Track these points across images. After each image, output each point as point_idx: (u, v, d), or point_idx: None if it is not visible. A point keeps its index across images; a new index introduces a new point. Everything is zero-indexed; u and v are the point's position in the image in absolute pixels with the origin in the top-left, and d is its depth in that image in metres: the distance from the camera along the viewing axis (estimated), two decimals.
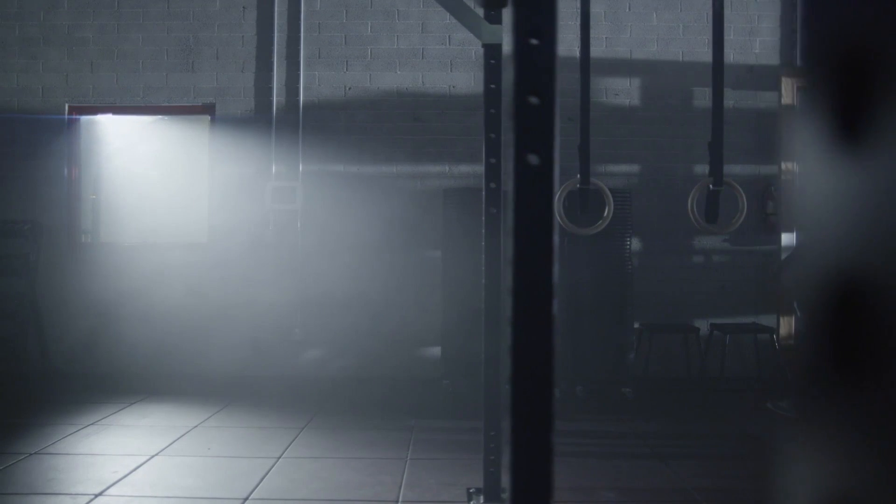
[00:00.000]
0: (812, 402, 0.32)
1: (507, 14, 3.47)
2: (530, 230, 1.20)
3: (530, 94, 1.21)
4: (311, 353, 5.94)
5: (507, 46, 3.33)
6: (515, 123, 1.21)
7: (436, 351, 5.64)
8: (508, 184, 1.20)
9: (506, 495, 3.06)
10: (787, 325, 5.76)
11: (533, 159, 1.20)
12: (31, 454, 3.67)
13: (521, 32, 1.18)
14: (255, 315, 5.88)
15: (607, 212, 3.94)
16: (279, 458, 3.65)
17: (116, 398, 4.96)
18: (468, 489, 3.13)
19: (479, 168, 5.77)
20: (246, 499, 3.06)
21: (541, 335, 1.24)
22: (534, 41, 1.20)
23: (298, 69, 5.99)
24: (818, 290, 0.31)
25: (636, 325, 5.53)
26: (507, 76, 3.26)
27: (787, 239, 5.60)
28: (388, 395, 5.25)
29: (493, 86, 3.05)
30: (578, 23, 5.08)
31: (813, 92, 0.35)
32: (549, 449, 1.23)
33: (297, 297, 5.91)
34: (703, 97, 5.95)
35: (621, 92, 6.01)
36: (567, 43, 5.53)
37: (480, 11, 3.13)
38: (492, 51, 3.06)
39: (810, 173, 0.33)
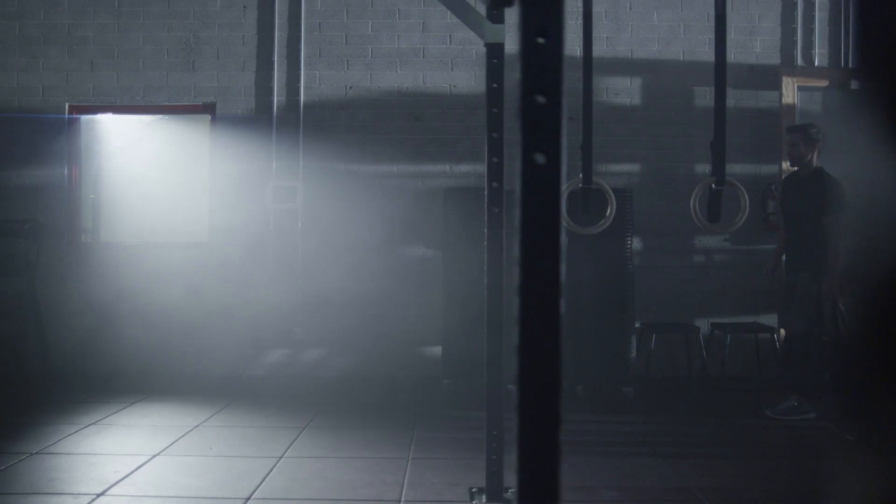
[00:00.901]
0: (872, 402, 0.32)
1: (510, 13, 3.47)
2: (537, 229, 1.19)
3: (537, 94, 1.21)
4: (312, 353, 5.93)
5: (509, 46, 3.34)
6: (522, 123, 1.20)
7: (437, 350, 5.64)
8: (514, 183, 1.19)
9: (508, 495, 3.06)
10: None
11: (540, 158, 1.20)
12: (32, 454, 3.66)
13: (528, 31, 1.18)
14: (256, 314, 5.88)
15: (610, 211, 3.93)
16: (281, 457, 3.65)
17: (117, 398, 4.95)
18: (471, 489, 3.13)
19: (480, 167, 5.78)
20: (248, 498, 3.06)
21: (548, 334, 1.24)
22: (541, 40, 1.19)
23: (299, 68, 5.98)
24: (880, 290, 0.31)
25: (637, 325, 5.53)
26: (510, 75, 3.25)
27: None
28: (389, 395, 5.25)
29: (495, 85, 3.05)
30: (579, 22, 5.07)
31: (871, 91, 0.34)
32: (557, 449, 1.23)
33: (297, 296, 5.90)
34: (703, 96, 5.95)
35: (622, 91, 6.02)
36: (568, 42, 5.52)
37: (483, 10, 3.13)
38: (494, 50, 3.05)
39: (869, 172, 0.33)
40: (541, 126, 1.21)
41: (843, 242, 4.41)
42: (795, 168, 4.74)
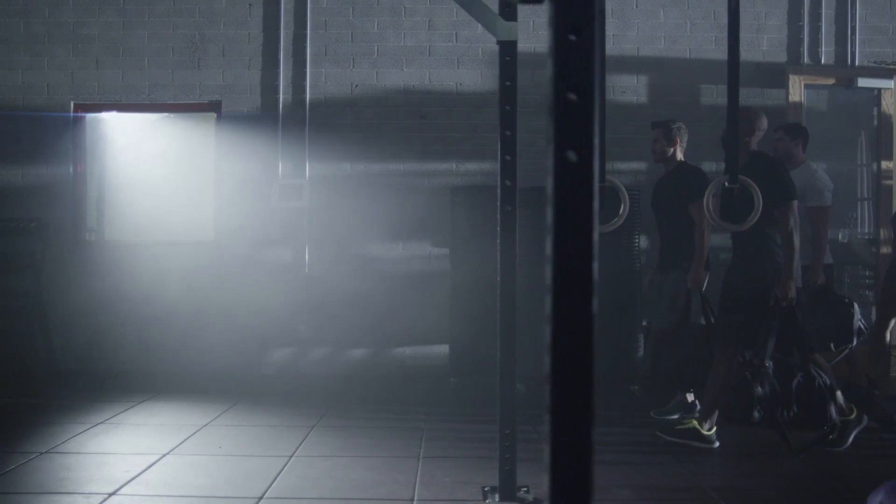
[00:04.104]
0: None
1: (522, 11, 3.44)
2: (570, 227, 1.18)
3: (569, 91, 1.20)
4: (318, 351, 5.93)
5: (522, 43, 3.31)
6: (554, 120, 1.19)
7: (443, 349, 5.64)
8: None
9: (521, 494, 3.04)
10: None
11: (572, 156, 1.18)
12: (41, 453, 3.65)
13: (560, 28, 1.17)
14: (261, 313, 5.87)
15: (623, 209, 3.92)
16: (291, 456, 3.64)
17: (124, 396, 4.94)
18: (483, 487, 3.12)
19: (486, 165, 5.77)
20: (261, 498, 3.05)
21: (581, 333, 1.23)
22: (572, 37, 1.18)
23: (305, 66, 5.97)
24: None
25: (644, 323, 5.51)
26: (520, 73, 3.21)
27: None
28: (396, 393, 5.25)
29: (508, 83, 3.03)
30: None
31: None
32: (590, 448, 1.22)
33: (303, 294, 5.90)
34: (710, 94, 5.94)
35: (628, 89, 6.01)
36: None
37: (495, 8, 3.11)
38: (507, 47, 3.04)
39: None
40: (572, 123, 1.20)
41: (709, 232, 4.38)
42: (660, 164, 4.73)
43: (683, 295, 4.46)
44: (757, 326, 3.77)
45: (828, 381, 3.77)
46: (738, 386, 3.70)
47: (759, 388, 3.62)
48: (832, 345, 4.54)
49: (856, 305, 4.59)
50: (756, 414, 3.64)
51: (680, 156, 4.64)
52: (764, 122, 4.12)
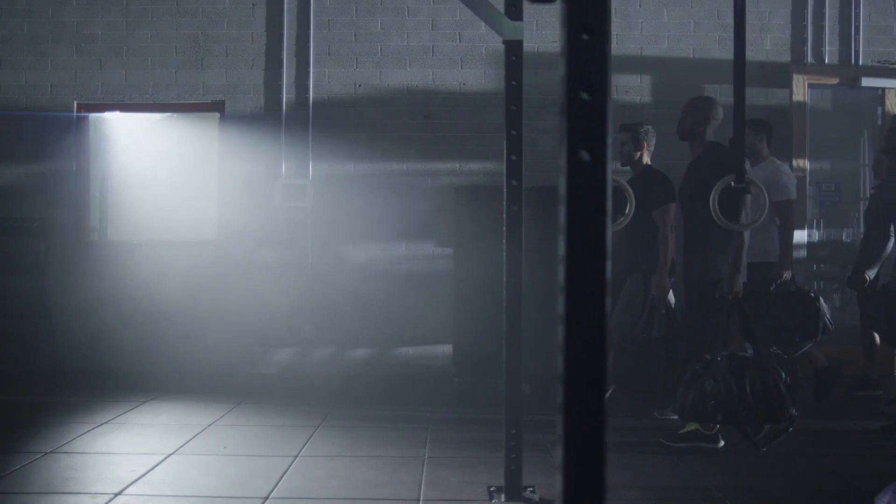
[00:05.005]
0: None
1: (527, 11, 3.44)
2: (583, 226, 1.18)
3: (582, 90, 1.20)
4: (322, 351, 5.92)
5: (525, 43, 3.30)
6: (567, 119, 1.19)
7: (447, 349, 5.63)
8: (559, 180, 1.18)
9: (527, 493, 3.03)
10: None
11: (584, 155, 1.19)
12: (46, 453, 3.65)
13: (573, 28, 1.17)
14: (265, 312, 5.87)
15: (629, 209, 3.93)
16: (296, 456, 3.64)
17: (128, 396, 4.94)
18: (489, 487, 3.12)
19: (490, 165, 5.77)
20: (266, 498, 3.05)
21: (593, 333, 1.23)
22: (585, 36, 1.18)
23: (308, 66, 5.97)
24: None
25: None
26: (524, 73, 3.20)
27: (798, 236, 5.57)
28: (400, 393, 5.25)
29: (514, 82, 3.03)
30: None
31: None
32: (602, 448, 1.22)
33: (306, 294, 5.89)
34: (714, 94, 5.90)
35: (632, 89, 6.00)
36: None
37: (501, 7, 3.11)
38: (513, 47, 3.04)
39: None
40: (585, 122, 1.20)
41: (673, 237, 4.33)
42: (626, 168, 4.68)
43: (640, 298, 4.39)
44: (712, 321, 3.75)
45: (783, 375, 3.73)
46: (690, 381, 3.65)
47: (712, 383, 3.56)
48: (796, 338, 4.54)
49: (822, 301, 4.58)
50: (710, 409, 3.57)
51: (646, 160, 4.62)
52: (720, 112, 4.13)
